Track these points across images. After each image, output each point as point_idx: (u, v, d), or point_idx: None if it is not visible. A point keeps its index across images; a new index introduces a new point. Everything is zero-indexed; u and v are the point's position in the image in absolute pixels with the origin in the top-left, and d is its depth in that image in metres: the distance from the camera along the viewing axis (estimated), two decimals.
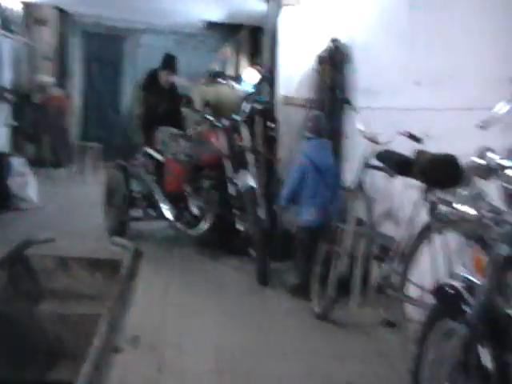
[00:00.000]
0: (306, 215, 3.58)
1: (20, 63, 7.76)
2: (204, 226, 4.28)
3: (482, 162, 1.51)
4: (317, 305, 3.30)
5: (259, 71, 6.02)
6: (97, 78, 9.37)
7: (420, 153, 2.68)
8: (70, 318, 3.90)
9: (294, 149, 4.70)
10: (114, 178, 5.01)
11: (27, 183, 5.71)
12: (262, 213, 3.92)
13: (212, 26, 8.63)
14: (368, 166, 3.19)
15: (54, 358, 3.80)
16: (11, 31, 7.26)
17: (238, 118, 4.27)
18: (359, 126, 3.33)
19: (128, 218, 4.86)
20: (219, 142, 4.22)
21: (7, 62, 7.03)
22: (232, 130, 4.23)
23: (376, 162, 3.10)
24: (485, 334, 1.43)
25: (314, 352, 2.87)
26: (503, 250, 1.40)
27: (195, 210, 4.41)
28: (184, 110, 4.94)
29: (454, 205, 1.68)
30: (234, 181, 4.03)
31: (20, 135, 7.57)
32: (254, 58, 7.15)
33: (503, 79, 2.37)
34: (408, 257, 2.62)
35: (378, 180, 3.52)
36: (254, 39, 8.14)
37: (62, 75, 8.74)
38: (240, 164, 4.12)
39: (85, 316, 3.87)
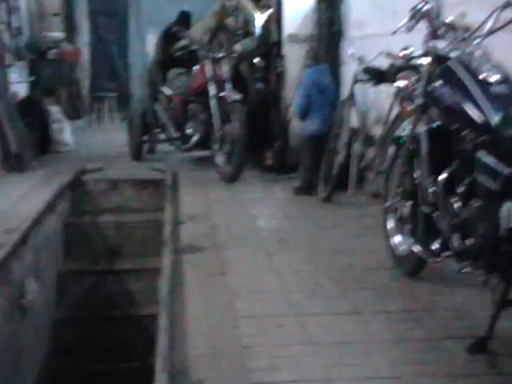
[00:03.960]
0: (312, 126, 5.00)
1: (33, 22, 9.04)
2: (194, 141, 5.98)
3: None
4: (322, 191, 4.78)
5: (266, 10, 7.34)
6: (103, 31, 10.65)
7: (390, 65, 4.07)
8: (125, 225, 5.39)
9: (299, 79, 6.11)
10: (132, 114, 6.92)
11: (63, 128, 7.14)
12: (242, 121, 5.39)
13: None
14: (357, 80, 4.60)
15: (114, 256, 5.31)
16: None
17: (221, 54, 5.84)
18: (350, 50, 4.72)
19: (141, 142, 6.68)
20: (205, 72, 5.74)
21: (24, 21, 8.31)
22: (217, 62, 5.75)
23: (363, 76, 4.51)
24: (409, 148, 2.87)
25: (317, 218, 4.40)
26: (418, 101, 2.83)
27: (189, 131, 6.09)
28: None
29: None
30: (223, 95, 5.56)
31: (38, 90, 8.91)
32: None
33: None
34: (386, 140, 4.05)
35: (369, 93, 4.93)
36: None
37: (71, 30, 10.03)
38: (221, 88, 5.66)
39: (137, 223, 5.37)
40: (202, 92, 5.81)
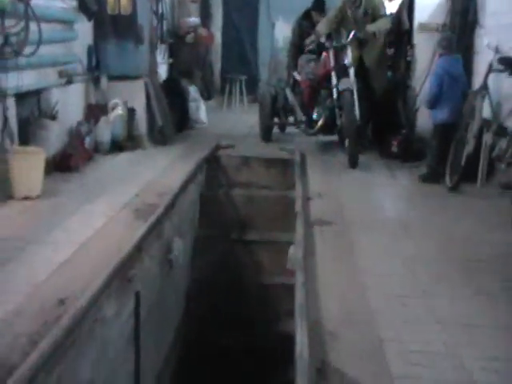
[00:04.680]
0: (442, 115, 5.07)
1: (174, 8, 9.74)
2: (318, 126, 6.20)
3: None
4: (449, 181, 4.85)
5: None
6: (235, 17, 11.19)
7: None
8: (255, 199, 5.80)
9: (429, 68, 6.15)
10: (263, 97, 7.18)
11: (199, 107, 7.72)
12: (356, 111, 5.55)
13: None
14: (492, 70, 4.61)
15: (244, 227, 5.74)
16: None
17: (344, 41, 5.99)
18: (485, 40, 4.74)
19: (272, 125, 6.97)
20: (328, 60, 5.95)
21: (166, 8, 8.97)
22: (341, 50, 5.95)
23: (498, 66, 4.52)
24: None
25: (443, 207, 4.47)
26: None
27: (315, 116, 6.34)
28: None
29: None
30: (338, 86, 5.76)
31: (176, 71, 9.61)
32: None
33: None
34: None
35: (504, 84, 4.91)
36: None
37: (206, 16, 10.66)
38: (344, 75, 5.82)
39: (266, 197, 5.76)
40: (328, 79, 6.04)
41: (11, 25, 4.24)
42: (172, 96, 7.18)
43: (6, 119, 4.18)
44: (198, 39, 9.85)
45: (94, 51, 6.25)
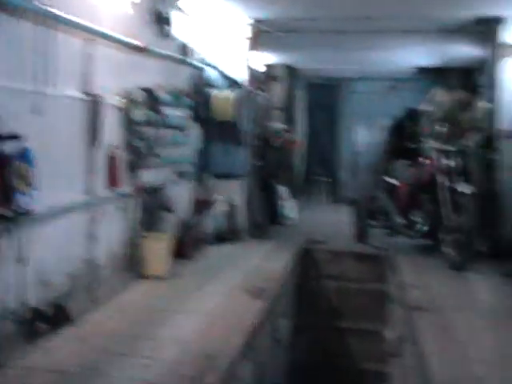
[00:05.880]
0: None
1: (260, 113, 10.91)
2: (423, 231, 6.44)
3: None
4: None
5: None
6: (317, 122, 12.31)
7: None
8: (346, 290, 6.37)
9: None
10: (359, 199, 7.86)
11: (288, 205, 8.53)
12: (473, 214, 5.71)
13: (423, 70, 10.95)
14: None
15: (336, 316, 6.27)
16: (261, 89, 10.47)
17: (449, 148, 6.28)
18: None
19: (367, 226, 7.37)
20: (435, 164, 6.25)
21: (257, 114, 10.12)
22: (447, 155, 6.23)
23: None
24: None
25: None
26: None
27: (417, 219, 6.55)
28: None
29: None
30: (455, 187, 5.96)
31: (264, 172, 10.59)
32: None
33: None
34: None
35: None
36: (464, 80, 10.23)
37: (289, 121, 11.80)
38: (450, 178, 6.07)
39: (359, 290, 6.31)
40: (430, 183, 6.27)
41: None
42: (264, 194, 8.02)
43: (142, 210, 5.06)
44: (285, 144, 10.90)
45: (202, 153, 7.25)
